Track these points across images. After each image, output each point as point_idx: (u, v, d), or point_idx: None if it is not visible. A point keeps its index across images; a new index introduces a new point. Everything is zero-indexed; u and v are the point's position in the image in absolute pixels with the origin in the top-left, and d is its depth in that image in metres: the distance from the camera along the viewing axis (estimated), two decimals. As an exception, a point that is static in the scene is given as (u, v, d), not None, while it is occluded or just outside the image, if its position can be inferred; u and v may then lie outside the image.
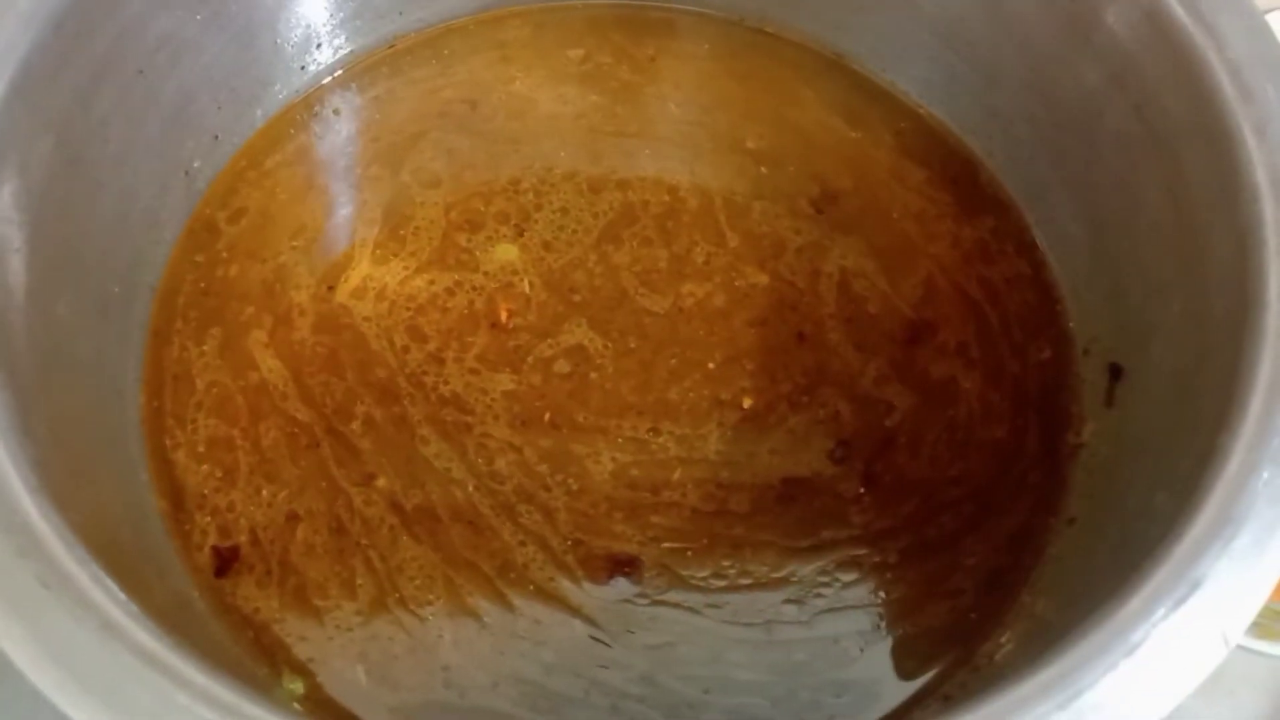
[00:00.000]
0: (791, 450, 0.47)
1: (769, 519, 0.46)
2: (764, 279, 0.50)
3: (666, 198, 0.53)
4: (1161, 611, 0.32)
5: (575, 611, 0.44)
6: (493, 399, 0.48)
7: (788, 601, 0.44)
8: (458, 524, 0.45)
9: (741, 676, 0.43)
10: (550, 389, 0.48)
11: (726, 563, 0.45)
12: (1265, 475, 0.34)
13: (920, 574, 0.45)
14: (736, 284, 0.50)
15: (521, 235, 0.52)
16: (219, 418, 0.47)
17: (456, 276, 0.51)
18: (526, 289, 0.50)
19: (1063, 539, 0.45)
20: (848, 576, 0.45)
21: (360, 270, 0.51)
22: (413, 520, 0.45)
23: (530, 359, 0.49)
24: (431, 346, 0.49)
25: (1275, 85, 0.40)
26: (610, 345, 0.49)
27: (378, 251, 0.51)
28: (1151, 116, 0.45)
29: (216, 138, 0.52)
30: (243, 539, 0.45)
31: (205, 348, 0.49)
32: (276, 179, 0.53)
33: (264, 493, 0.46)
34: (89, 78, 0.43)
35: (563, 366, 0.49)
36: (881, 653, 0.44)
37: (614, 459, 0.47)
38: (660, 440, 0.47)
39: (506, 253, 0.51)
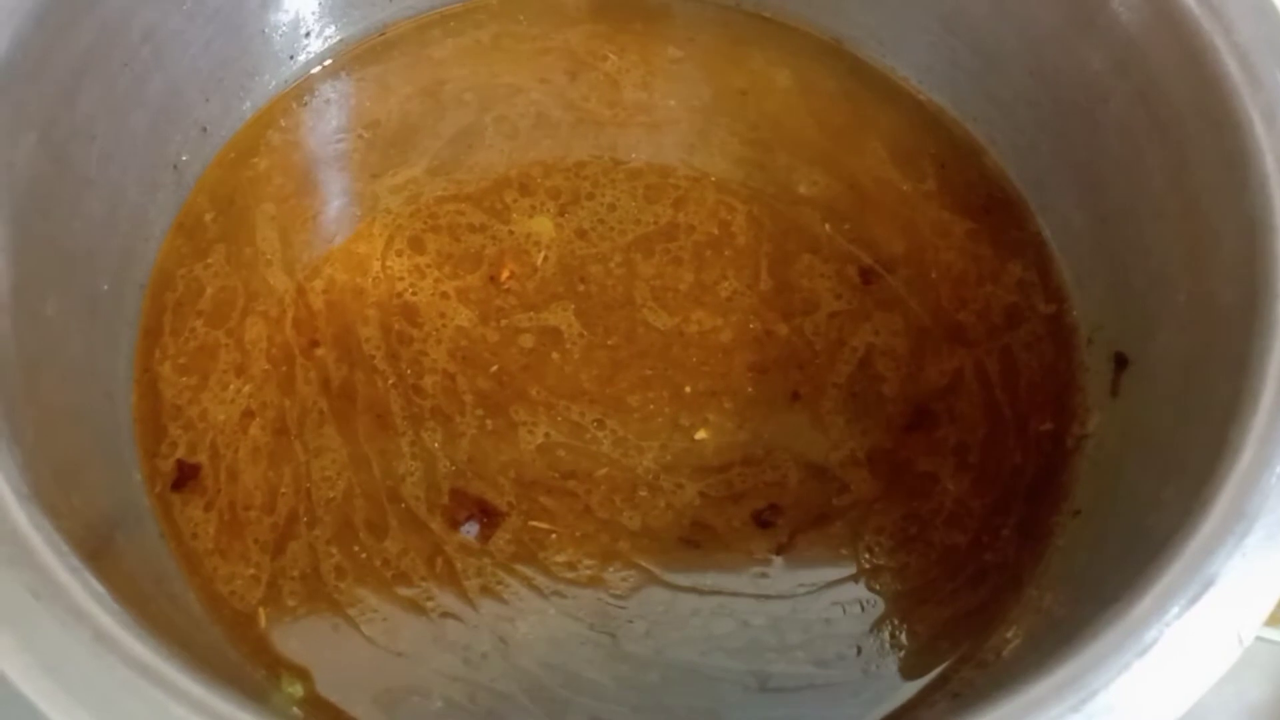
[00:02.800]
0: (719, 498, 0.46)
1: (656, 547, 0.44)
2: (783, 330, 0.49)
3: (715, 230, 0.51)
4: (1175, 610, 0.31)
5: (436, 547, 0.44)
6: (444, 324, 0.48)
7: (638, 619, 0.43)
8: (368, 413, 0.47)
9: (590, 676, 0.42)
10: (502, 352, 0.48)
11: (588, 561, 0.44)
12: (1279, 469, 0.33)
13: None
14: (751, 326, 0.49)
15: (563, 215, 0.51)
16: (211, 324, 0.48)
17: (485, 220, 0.51)
18: (539, 262, 0.50)
19: (1068, 531, 0.45)
20: (720, 627, 0.43)
21: (411, 172, 0.52)
22: (335, 397, 0.47)
23: (503, 322, 0.49)
24: (422, 261, 0.50)
25: (1284, 70, 0.39)
26: (586, 336, 0.48)
27: (435, 163, 0.52)
28: (1156, 102, 0.44)
29: (205, 130, 0.51)
30: (204, 458, 0.45)
31: (210, 260, 0.50)
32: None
33: (230, 388, 0.47)
34: (72, 73, 0.42)
35: (527, 340, 0.48)
36: (758, 701, 0.42)
37: (548, 434, 0.46)
38: (601, 435, 0.46)
39: (541, 224, 0.51)
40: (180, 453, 0.45)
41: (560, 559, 0.44)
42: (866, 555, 0.45)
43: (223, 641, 0.42)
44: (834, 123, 0.54)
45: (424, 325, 0.48)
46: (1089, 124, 0.48)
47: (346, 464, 0.46)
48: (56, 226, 0.42)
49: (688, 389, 0.48)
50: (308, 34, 0.54)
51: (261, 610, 0.43)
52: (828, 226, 0.51)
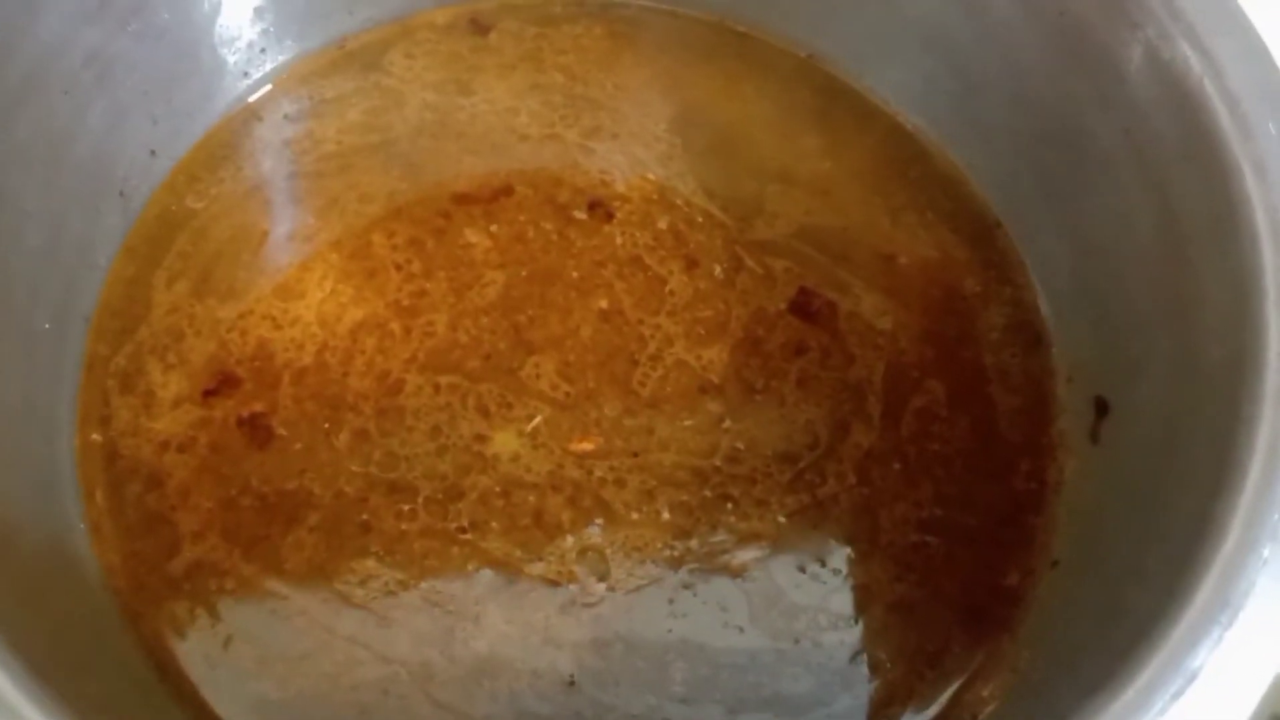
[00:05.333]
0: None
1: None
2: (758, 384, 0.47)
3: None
4: (1158, 706, 0.30)
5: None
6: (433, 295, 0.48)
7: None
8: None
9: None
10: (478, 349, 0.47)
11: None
12: (1265, 554, 0.32)
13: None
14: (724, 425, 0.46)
15: (611, 219, 0.50)
16: (158, 347, 0.47)
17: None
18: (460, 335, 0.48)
19: (1045, 582, 0.44)
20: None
21: (367, 190, 0.51)
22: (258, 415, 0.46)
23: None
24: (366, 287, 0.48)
25: (1277, 120, 0.38)
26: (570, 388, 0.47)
27: (391, 180, 0.51)
28: (1142, 141, 0.42)
29: (153, 153, 0.49)
30: (139, 486, 0.44)
31: (158, 284, 0.48)
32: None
33: (181, 408, 0.46)
34: (7, 104, 0.41)
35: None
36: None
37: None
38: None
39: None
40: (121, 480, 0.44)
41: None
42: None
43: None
44: (806, 144, 0.53)
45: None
46: (1072, 157, 0.46)
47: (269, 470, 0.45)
48: (-8, 265, 0.40)
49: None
50: (263, 50, 0.52)
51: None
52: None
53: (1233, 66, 0.39)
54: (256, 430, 0.45)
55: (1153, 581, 0.34)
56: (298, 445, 0.45)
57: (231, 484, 0.44)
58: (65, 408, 0.44)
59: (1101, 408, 0.45)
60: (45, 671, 0.31)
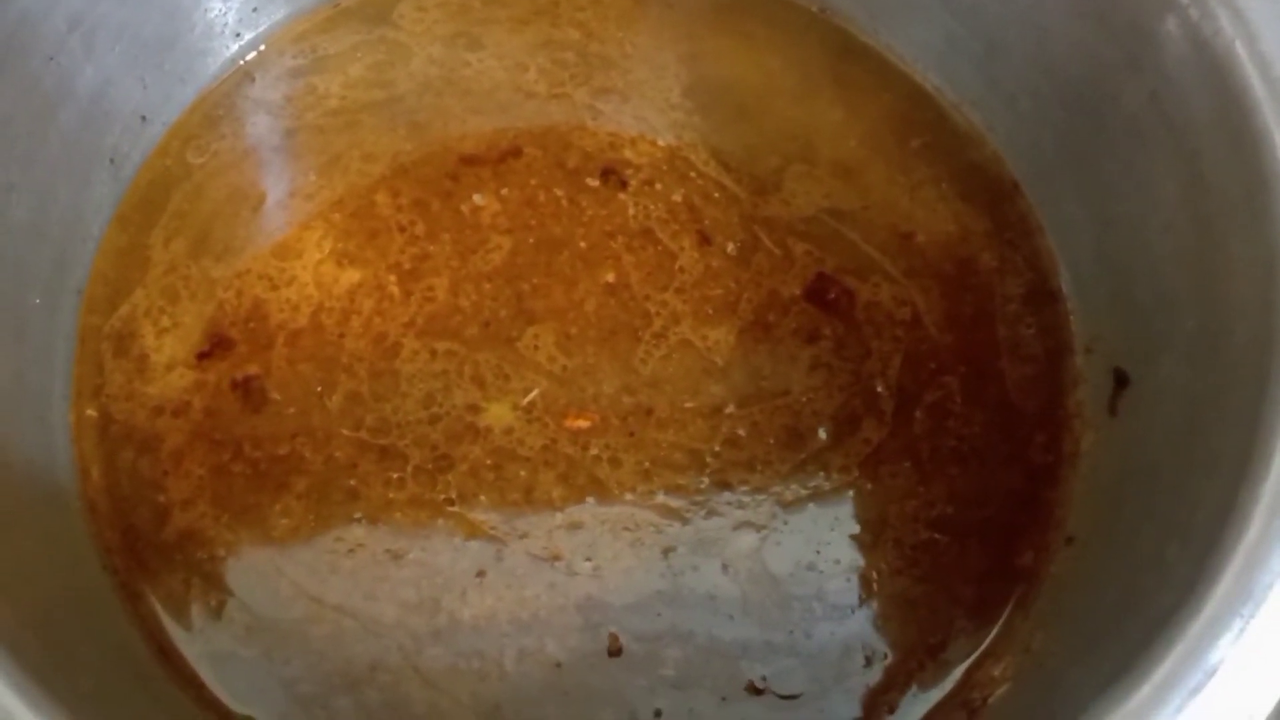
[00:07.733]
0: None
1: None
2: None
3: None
4: (1175, 703, 0.29)
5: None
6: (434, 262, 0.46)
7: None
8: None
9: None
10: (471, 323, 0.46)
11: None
12: (1289, 545, 0.31)
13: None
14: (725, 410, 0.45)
15: (625, 187, 0.48)
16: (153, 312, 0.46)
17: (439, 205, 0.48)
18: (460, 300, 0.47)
19: (1060, 558, 0.43)
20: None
21: (363, 151, 0.49)
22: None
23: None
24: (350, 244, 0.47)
25: (1314, 86, 0.36)
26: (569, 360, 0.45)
27: (386, 144, 0.50)
28: (1169, 106, 0.40)
29: (144, 119, 0.47)
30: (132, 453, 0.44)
31: (151, 252, 0.47)
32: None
33: (175, 372, 0.45)
34: (-13, 74, 0.39)
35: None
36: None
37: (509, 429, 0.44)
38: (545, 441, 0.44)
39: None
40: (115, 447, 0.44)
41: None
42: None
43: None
44: (828, 116, 0.51)
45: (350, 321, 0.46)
46: (1095, 120, 0.44)
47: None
48: (-24, 241, 0.39)
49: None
50: (255, 9, 0.50)
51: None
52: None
53: (1267, 29, 0.37)
54: (250, 393, 0.45)
55: (1172, 570, 0.33)
56: (291, 409, 0.44)
57: (224, 449, 0.44)
58: (59, 383, 0.44)
59: (1121, 379, 0.44)
60: (42, 672, 0.30)
